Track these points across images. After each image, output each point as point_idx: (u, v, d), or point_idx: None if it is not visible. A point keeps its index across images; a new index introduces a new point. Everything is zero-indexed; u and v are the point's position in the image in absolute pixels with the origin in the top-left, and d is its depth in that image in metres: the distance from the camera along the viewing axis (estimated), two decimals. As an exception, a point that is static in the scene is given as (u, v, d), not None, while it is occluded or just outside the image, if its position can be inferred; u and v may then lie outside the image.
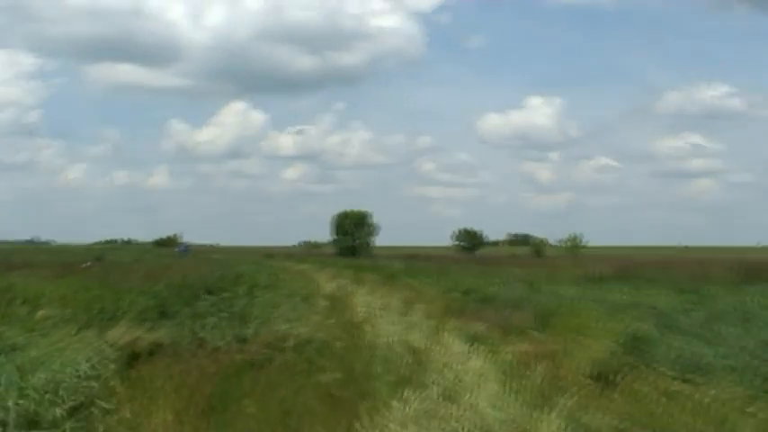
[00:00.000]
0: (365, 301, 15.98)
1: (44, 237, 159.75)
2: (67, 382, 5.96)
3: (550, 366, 7.83)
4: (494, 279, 25.17)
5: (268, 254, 72.08)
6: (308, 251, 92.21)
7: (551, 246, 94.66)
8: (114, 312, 10.20)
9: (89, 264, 28.30)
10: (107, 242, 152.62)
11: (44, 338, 7.80)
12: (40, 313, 10.12)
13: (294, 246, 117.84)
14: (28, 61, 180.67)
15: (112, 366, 6.85)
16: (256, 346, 8.08)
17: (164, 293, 12.38)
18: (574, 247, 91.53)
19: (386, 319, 12.53)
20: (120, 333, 8.03)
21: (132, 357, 7.43)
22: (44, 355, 6.77)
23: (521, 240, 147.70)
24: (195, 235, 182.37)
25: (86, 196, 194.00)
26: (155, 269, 25.72)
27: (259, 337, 8.79)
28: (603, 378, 7.43)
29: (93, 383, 6.14)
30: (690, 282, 23.79)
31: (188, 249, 71.59)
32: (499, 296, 17.52)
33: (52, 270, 25.15)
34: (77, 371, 6.30)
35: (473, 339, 9.73)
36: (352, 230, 75.14)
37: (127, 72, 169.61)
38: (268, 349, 8.02)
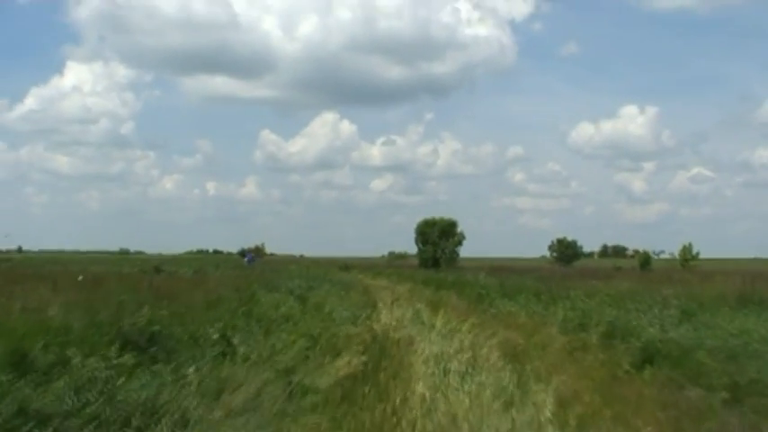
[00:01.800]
0: (436, 353, 8.97)
1: (137, 247, 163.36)
2: None
3: None
4: (628, 303, 17.63)
5: (345, 265, 66.75)
6: (391, 262, 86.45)
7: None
8: None
9: (81, 278, 22.99)
10: (198, 252, 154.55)
11: None
12: None
13: (381, 257, 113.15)
14: (121, 73, 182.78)
15: None
16: None
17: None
18: (685, 260, 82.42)
19: (474, 418, 5.53)
20: None
21: None
22: None
23: (613, 252, 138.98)
24: (283, 245, 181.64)
25: (178, 207, 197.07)
26: (170, 285, 19.71)
27: None
28: None
29: None
30: None
31: (254, 259, 67.00)
32: (671, 343, 10.14)
33: (48, 283, 19.86)
34: None
35: None
36: (436, 240, 67.93)
37: (219, 84, 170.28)
38: None
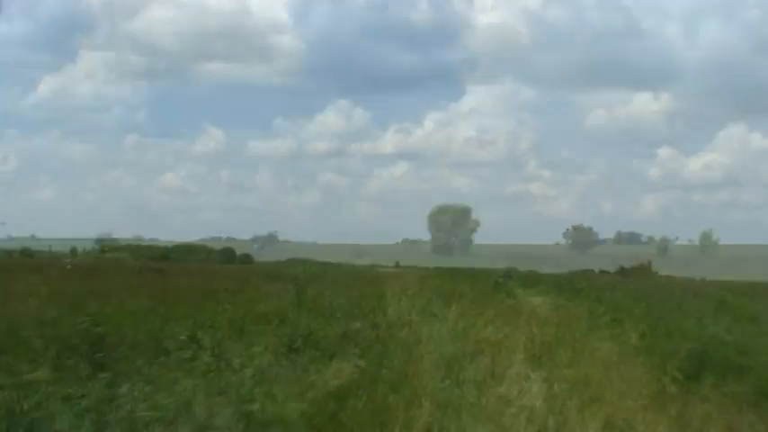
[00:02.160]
0: (448, 355, 7.56)
1: (151, 234, 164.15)
2: None
3: None
4: (661, 293, 16.12)
5: (357, 252, 65.84)
6: (406, 249, 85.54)
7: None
8: None
9: (69, 266, 22.04)
10: (211, 239, 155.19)
11: None
12: None
13: (395, 243, 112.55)
14: (133, 61, 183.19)
15: None
16: None
17: None
18: (705, 247, 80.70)
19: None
20: None
21: None
22: None
23: (627, 239, 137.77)
24: (296, 232, 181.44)
25: (192, 194, 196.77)
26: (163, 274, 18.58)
27: None
28: None
29: None
30: None
31: (264, 246, 66.56)
32: (718, 342, 8.65)
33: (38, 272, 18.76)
34: None
35: None
36: (450, 227, 66.54)
37: (232, 71, 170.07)
38: None
